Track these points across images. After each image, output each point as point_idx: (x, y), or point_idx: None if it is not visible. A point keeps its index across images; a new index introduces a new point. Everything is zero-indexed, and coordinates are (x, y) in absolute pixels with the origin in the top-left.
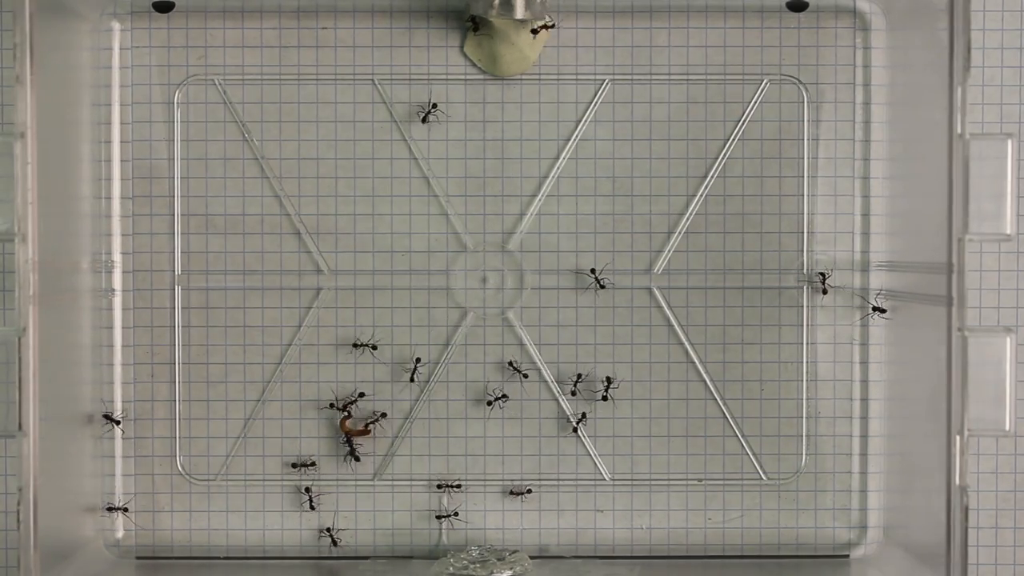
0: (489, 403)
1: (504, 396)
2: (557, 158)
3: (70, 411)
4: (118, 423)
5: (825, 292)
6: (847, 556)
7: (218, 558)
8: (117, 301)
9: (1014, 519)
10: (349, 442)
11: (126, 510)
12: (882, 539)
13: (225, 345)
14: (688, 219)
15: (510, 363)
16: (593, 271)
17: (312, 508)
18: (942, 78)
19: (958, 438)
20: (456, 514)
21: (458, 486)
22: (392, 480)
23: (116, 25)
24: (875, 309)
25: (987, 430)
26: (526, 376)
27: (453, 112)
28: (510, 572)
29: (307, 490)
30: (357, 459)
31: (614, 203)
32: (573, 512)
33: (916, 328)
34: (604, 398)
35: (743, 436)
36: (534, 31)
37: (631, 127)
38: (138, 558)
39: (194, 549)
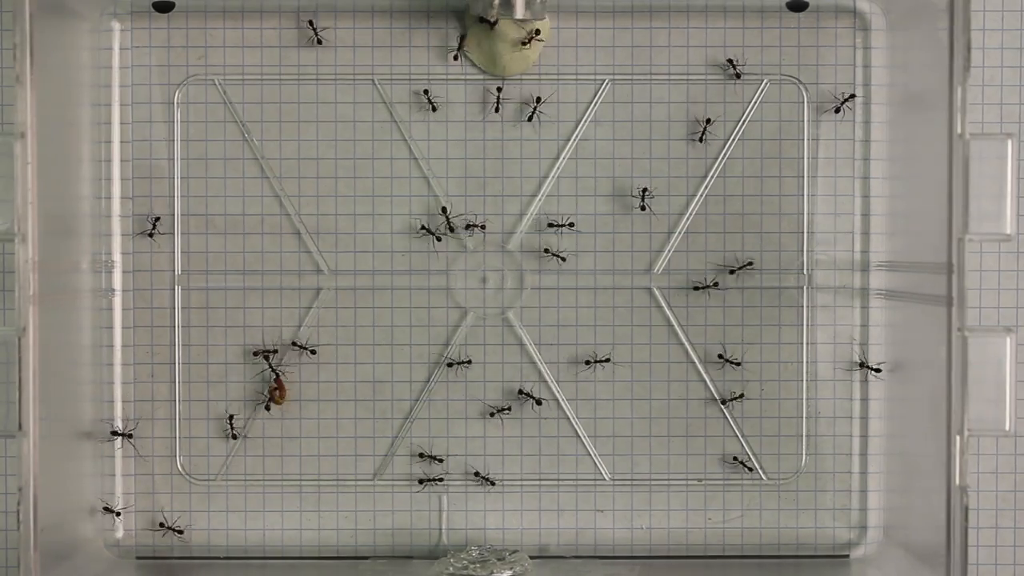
0: (492, 414)
1: (508, 408)
2: (557, 158)
3: (70, 411)
4: (130, 436)
5: (642, 208)
6: (847, 556)
7: (218, 558)
8: (117, 301)
9: (1014, 519)
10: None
11: (118, 513)
12: (882, 539)
13: (225, 345)
14: (688, 219)
15: (520, 391)
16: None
17: (234, 437)
18: (942, 78)
19: (958, 438)
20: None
21: (440, 480)
22: (392, 480)
23: (116, 25)
24: (862, 365)
25: (987, 430)
26: (539, 403)
27: (453, 112)
28: (510, 572)
29: (230, 418)
30: (268, 408)
31: (614, 203)
32: (573, 512)
33: (916, 328)
34: (587, 363)
35: (743, 436)
36: (524, 42)
37: (631, 127)
38: (138, 558)
39: (194, 549)
